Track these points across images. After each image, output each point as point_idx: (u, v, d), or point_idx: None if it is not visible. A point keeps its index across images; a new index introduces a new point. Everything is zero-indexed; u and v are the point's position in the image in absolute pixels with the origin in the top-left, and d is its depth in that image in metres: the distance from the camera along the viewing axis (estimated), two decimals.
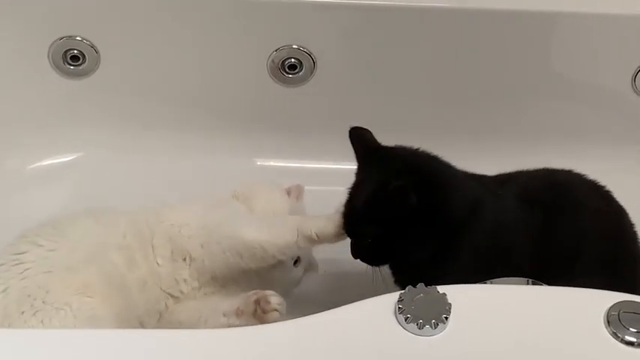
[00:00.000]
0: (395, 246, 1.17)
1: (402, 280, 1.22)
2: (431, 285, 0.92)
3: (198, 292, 1.29)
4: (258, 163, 1.68)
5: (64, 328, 1.11)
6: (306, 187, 1.45)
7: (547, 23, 1.55)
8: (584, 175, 1.27)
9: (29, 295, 1.14)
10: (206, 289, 1.30)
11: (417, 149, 1.23)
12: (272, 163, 1.68)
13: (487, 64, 1.58)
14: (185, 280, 1.28)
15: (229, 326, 1.21)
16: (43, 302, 1.14)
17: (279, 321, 1.17)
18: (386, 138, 1.60)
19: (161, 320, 1.27)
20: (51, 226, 1.25)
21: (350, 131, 1.23)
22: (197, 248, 1.28)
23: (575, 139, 1.64)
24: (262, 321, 1.19)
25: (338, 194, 1.54)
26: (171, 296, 1.28)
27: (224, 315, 1.23)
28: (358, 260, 1.21)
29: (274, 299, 1.20)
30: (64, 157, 1.62)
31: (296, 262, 1.35)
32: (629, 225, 1.27)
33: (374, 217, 1.15)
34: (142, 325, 1.24)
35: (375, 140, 1.23)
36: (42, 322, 1.12)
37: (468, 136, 1.65)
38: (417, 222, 1.13)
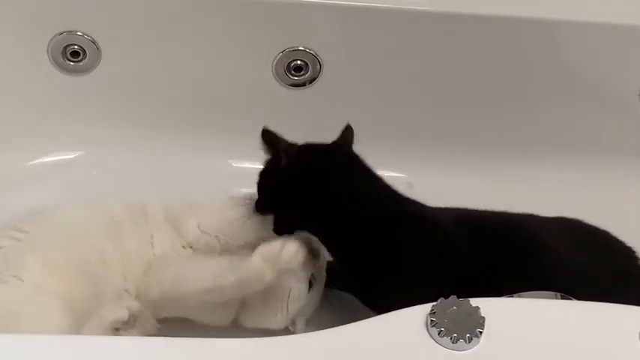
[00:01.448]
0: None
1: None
2: (462, 297, 0.90)
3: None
4: (234, 165, 1.65)
5: (9, 300, 1.11)
6: None
7: (554, 32, 1.54)
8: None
9: None
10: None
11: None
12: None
13: (496, 71, 1.57)
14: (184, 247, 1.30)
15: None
16: None
17: None
18: (386, 144, 1.61)
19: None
20: (38, 213, 1.26)
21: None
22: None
23: (581, 150, 1.64)
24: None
25: None
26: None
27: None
28: None
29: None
30: (65, 155, 1.59)
31: (310, 286, 1.32)
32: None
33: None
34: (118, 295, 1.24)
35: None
36: None
37: (473, 144, 1.65)
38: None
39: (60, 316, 1.11)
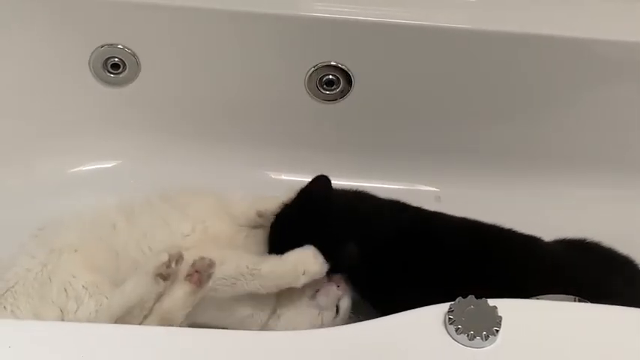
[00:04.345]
0: None
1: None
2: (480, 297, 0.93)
3: None
4: (272, 177, 1.69)
5: None
6: None
7: (579, 48, 1.55)
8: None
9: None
10: None
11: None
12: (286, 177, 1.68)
13: (528, 88, 1.59)
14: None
15: None
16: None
17: None
18: (415, 158, 1.64)
19: None
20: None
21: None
22: None
23: (605, 167, 1.67)
24: None
25: None
26: None
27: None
28: None
29: None
30: (104, 164, 1.64)
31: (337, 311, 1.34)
32: None
33: None
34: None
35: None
36: None
37: (502, 159, 1.67)
38: None
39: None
